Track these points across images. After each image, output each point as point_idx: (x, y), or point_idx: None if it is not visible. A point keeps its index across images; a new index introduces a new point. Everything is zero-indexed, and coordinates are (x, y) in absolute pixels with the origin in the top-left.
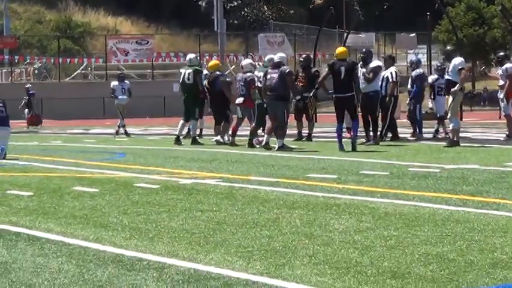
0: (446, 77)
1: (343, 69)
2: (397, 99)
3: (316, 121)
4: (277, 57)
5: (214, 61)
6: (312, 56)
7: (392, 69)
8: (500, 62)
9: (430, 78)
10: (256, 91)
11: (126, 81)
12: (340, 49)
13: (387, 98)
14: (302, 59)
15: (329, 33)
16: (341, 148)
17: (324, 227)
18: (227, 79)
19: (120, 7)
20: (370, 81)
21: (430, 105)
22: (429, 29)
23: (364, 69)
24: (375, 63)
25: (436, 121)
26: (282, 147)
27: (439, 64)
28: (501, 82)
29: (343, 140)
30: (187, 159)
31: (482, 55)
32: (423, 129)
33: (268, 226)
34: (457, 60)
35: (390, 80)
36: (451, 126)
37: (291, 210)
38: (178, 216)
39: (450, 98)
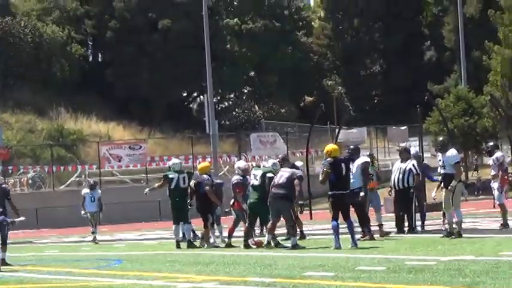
0: (443, 171)
1: (343, 165)
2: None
3: (311, 218)
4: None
5: (204, 163)
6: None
7: (413, 161)
8: (489, 152)
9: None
10: (252, 190)
11: (98, 190)
12: (333, 147)
13: (411, 190)
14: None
15: (321, 129)
16: (338, 247)
17: None
18: (217, 181)
19: (111, 112)
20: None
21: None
22: (420, 122)
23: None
24: (362, 159)
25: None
26: (296, 246)
27: None
28: (493, 172)
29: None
30: (184, 263)
31: (474, 145)
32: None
33: None
34: (452, 152)
35: (415, 172)
36: (455, 217)
37: None
38: None
39: (443, 191)
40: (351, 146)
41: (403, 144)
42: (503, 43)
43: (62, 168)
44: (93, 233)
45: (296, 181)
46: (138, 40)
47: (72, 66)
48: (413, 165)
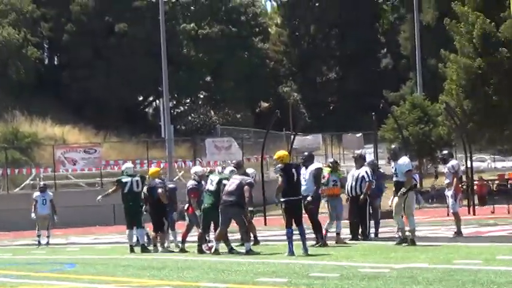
0: (395, 178)
1: (294, 171)
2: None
3: (265, 224)
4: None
5: (154, 168)
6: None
7: (367, 168)
8: (444, 160)
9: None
10: (207, 195)
11: (48, 193)
12: (284, 153)
13: (362, 197)
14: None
15: (276, 135)
16: (291, 253)
17: None
18: (170, 186)
19: (67, 115)
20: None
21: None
22: (375, 129)
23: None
24: (315, 165)
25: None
26: (250, 252)
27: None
28: (447, 180)
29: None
30: (137, 267)
31: (429, 153)
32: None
33: None
34: (404, 160)
35: (367, 180)
36: (408, 225)
37: None
38: None
39: (396, 198)
40: (305, 153)
41: (358, 152)
42: (459, 52)
43: (16, 171)
44: (38, 236)
45: (246, 187)
46: (95, 43)
47: (28, 69)
48: (366, 172)
